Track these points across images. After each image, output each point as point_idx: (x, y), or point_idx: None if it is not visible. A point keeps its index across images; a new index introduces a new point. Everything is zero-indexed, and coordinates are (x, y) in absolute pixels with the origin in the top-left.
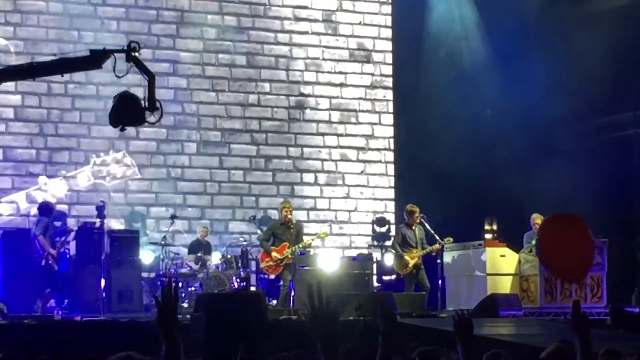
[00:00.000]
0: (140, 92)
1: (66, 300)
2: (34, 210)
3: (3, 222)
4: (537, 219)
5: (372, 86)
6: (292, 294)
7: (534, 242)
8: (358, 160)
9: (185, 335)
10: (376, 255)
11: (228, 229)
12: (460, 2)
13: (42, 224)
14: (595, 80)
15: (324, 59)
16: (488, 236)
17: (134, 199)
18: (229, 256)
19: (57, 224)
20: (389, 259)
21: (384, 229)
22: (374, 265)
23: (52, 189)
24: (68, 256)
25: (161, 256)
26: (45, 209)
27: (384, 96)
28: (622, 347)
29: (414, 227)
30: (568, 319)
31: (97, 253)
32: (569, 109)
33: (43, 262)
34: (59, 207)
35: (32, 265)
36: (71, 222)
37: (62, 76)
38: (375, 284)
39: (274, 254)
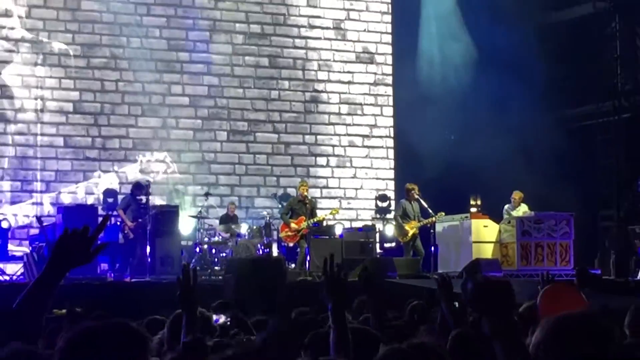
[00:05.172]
0: None
1: (117, 264)
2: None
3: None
4: (516, 194)
5: (375, 83)
6: (308, 259)
7: (513, 213)
8: (363, 146)
9: (217, 294)
10: (379, 226)
11: (254, 204)
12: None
13: (124, 201)
14: (563, 79)
15: (334, 61)
16: (473, 210)
17: (175, 179)
18: (254, 227)
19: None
20: (390, 230)
21: (385, 204)
22: (377, 235)
23: (105, 182)
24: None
25: (197, 227)
26: (134, 187)
27: (385, 92)
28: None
29: (412, 202)
30: (539, 280)
31: (143, 225)
32: (543, 104)
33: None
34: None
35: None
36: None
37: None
38: (378, 250)
39: (292, 225)
